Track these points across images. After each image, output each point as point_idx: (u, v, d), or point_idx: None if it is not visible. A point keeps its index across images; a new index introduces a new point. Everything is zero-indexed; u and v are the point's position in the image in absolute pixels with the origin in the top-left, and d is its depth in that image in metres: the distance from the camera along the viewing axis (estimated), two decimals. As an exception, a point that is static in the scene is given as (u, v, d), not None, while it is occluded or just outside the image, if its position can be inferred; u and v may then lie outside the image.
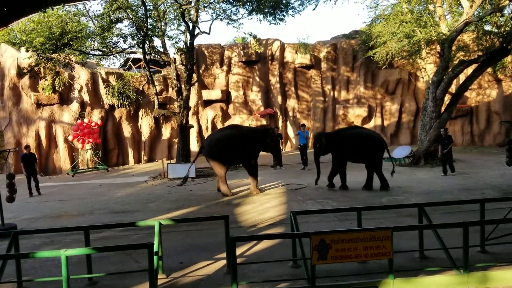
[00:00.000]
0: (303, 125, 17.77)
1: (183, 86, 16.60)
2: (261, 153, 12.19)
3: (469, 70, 16.99)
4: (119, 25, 22.26)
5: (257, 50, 22.03)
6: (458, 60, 16.42)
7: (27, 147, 14.33)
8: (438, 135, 14.86)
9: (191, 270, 6.58)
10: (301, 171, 15.82)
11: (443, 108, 16.19)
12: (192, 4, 15.93)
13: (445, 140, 13.95)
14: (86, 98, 19.75)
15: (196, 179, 14.94)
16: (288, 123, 22.41)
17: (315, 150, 12.49)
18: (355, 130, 12.77)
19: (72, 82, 19.67)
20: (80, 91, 19.76)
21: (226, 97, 22.20)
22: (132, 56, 24.18)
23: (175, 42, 19.15)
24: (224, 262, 6.65)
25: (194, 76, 18.51)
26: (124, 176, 17.02)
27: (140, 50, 16.57)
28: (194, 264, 6.79)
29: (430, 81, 16.54)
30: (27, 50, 15.45)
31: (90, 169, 18.69)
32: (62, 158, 19.28)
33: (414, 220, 7.54)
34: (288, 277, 6.11)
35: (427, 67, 19.19)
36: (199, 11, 16.32)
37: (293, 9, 16.88)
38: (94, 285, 6.18)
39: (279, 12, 16.52)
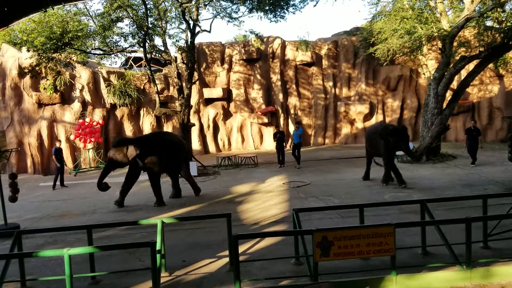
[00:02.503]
0: (298, 122, 17.35)
1: (184, 84, 16.59)
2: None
3: (471, 66, 16.93)
4: (119, 24, 22.17)
5: (258, 46, 22.01)
6: (459, 56, 16.34)
7: (59, 140, 15.32)
8: (468, 128, 15.29)
9: (194, 268, 6.60)
10: (297, 169, 15.66)
11: (444, 104, 16.14)
12: (193, 2, 15.89)
13: (474, 132, 14.64)
14: (88, 97, 19.76)
15: (198, 177, 14.95)
16: (289, 120, 22.39)
17: (391, 144, 11.78)
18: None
19: (73, 82, 19.67)
20: (81, 90, 19.76)
21: (227, 95, 22.18)
22: (133, 55, 24.15)
23: (176, 41, 19.16)
24: (226, 260, 6.67)
25: (195, 74, 18.49)
26: (126, 175, 17.01)
27: (141, 49, 16.55)
28: (196, 262, 6.81)
29: (431, 78, 16.50)
30: (28, 50, 15.46)
31: (92, 168, 18.70)
32: (64, 157, 19.29)
33: (416, 217, 7.53)
34: (291, 274, 6.12)
35: (429, 64, 19.13)
36: (199, 9, 16.28)
37: (293, 7, 16.83)
38: (97, 284, 6.20)
39: (279, 10, 16.47)
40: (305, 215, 8.30)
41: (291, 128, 22.12)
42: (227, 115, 22.36)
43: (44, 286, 6.19)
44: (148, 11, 15.93)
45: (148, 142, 11.31)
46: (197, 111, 21.76)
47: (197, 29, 16.54)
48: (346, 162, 16.94)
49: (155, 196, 11.22)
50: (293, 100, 22.61)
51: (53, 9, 12.26)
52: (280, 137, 16.23)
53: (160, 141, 11.64)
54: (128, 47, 17.39)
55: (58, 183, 14.85)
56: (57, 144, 15.77)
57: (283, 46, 22.66)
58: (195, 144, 20.63)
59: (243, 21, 18.99)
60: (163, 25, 16.73)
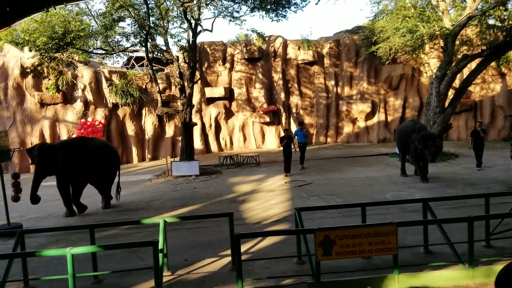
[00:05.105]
0: (301, 123, 17.03)
1: (186, 84, 16.61)
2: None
3: (473, 65, 16.89)
4: (121, 24, 22.12)
5: (260, 45, 22.01)
6: (461, 54, 16.31)
7: None
8: (473, 129, 14.68)
9: (196, 267, 6.60)
10: (299, 169, 15.55)
11: (447, 103, 16.12)
12: (194, 2, 15.91)
13: (481, 133, 14.30)
14: (90, 97, 19.79)
15: (200, 176, 14.97)
16: (291, 119, 22.38)
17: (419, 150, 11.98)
18: None
19: (75, 81, 19.71)
20: (83, 90, 19.80)
21: (229, 95, 22.19)
22: (135, 54, 24.21)
23: (178, 40, 19.19)
24: (229, 259, 6.68)
25: (197, 73, 18.50)
26: (128, 175, 17.04)
27: (143, 49, 16.60)
28: (199, 261, 6.82)
29: (433, 76, 16.46)
30: (30, 50, 15.50)
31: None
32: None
33: (418, 215, 7.52)
34: (293, 273, 6.12)
35: (431, 62, 19.08)
36: (201, 8, 16.30)
37: (295, 6, 16.82)
38: (99, 283, 6.22)
39: (281, 9, 16.47)
40: (307, 214, 8.29)
41: (293, 127, 22.13)
42: (229, 114, 22.36)
43: (47, 285, 6.21)
44: (150, 11, 15.96)
45: (73, 147, 10.57)
46: (199, 111, 21.78)
47: (199, 28, 16.56)
48: (348, 161, 16.92)
49: (64, 206, 10.50)
50: (295, 99, 22.60)
51: (55, 9, 12.30)
52: (287, 142, 14.45)
53: (85, 146, 10.76)
54: (130, 47, 17.44)
55: None
56: None
57: (285, 45, 22.65)
58: (197, 143, 20.64)
59: (245, 20, 18.98)
60: (165, 24, 16.75)
